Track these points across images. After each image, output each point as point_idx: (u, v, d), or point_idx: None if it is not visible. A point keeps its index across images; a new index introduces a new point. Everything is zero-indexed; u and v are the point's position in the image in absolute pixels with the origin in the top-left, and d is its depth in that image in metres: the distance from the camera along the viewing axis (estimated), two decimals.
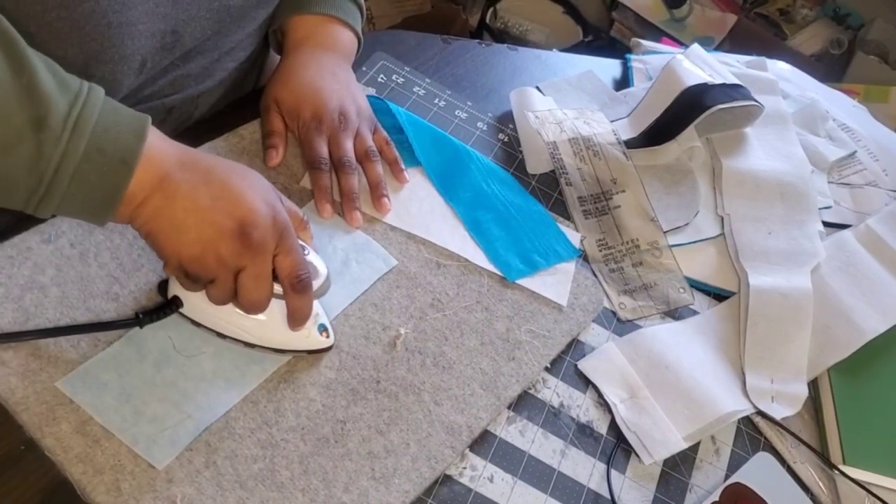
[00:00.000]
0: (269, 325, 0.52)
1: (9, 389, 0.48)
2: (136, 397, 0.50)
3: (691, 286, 0.73)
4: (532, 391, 0.61)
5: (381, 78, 0.78)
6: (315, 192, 0.63)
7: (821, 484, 0.64)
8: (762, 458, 0.64)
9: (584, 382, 0.63)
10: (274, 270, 0.49)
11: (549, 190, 0.76)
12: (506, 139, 0.79)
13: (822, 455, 0.65)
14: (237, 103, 0.73)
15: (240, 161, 0.64)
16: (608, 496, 0.58)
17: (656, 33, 1.92)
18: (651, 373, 0.64)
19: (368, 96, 0.71)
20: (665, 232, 0.75)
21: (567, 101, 0.84)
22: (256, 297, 0.49)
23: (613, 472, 0.59)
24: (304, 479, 0.50)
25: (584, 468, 0.59)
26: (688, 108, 0.78)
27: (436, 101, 0.79)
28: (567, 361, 0.64)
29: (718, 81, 0.80)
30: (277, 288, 0.50)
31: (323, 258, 0.61)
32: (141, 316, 0.51)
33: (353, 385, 0.55)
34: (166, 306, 0.52)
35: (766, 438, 0.66)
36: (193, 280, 0.48)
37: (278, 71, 0.67)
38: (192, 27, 0.58)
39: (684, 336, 0.69)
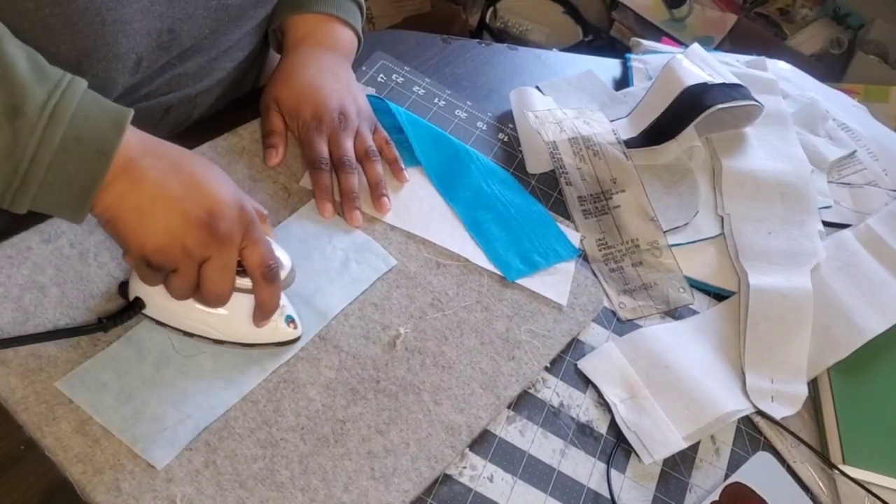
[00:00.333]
0: (235, 319, 0.52)
1: (9, 389, 0.48)
2: (136, 397, 0.50)
3: (691, 286, 0.73)
4: (532, 391, 0.61)
5: (381, 77, 0.78)
6: (316, 192, 0.63)
7: (820, 484, 0.64)
8: (762, 458, 0.64)
9: (584, 382, 0.63)
10: (240, 263, 0.48)
11: (548, 190, 0.76)
12: (506, 139, 0.79)
13: (822, 455, 0.65)
14: (237, 103, 0.73)
15: (240, 161, 0.64)
16: (608, 496, 0.58)
17: (656, 33, 1.92)
18: (651, 372, 0.64)
19: (368, 96, 0.71)
20: (665, 232, 0.75)
21: (567, 100, 0.84)
22: (220, 289, 0.48)
23: (613, 472, 0.59)
24: (304, 479, 0.50)
25: (583, 468, 0.59)
26: (688, 107, 0.78)
27: (436, 100, 0.79)
28: (567, 361, 0.64)
29: (718, 81, 0.80)
30: (240, 282, 0.49)
31: (322, 258, 0.61)
32: (104, 320, 0.50)
33: (353, 385, 0.55)
34: (129, 308, 0.51)
35: (765, 438, 0.66)
36: (156, 270, 0.46)
37: (278, 70, 0.67)
38: (189, 26, 0.57)
39: (684, 336, 0.69)
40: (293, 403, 0.53)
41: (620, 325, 0.68)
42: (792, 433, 0.66)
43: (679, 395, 0.63)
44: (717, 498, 0.60)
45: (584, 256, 0.72)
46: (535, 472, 0.57)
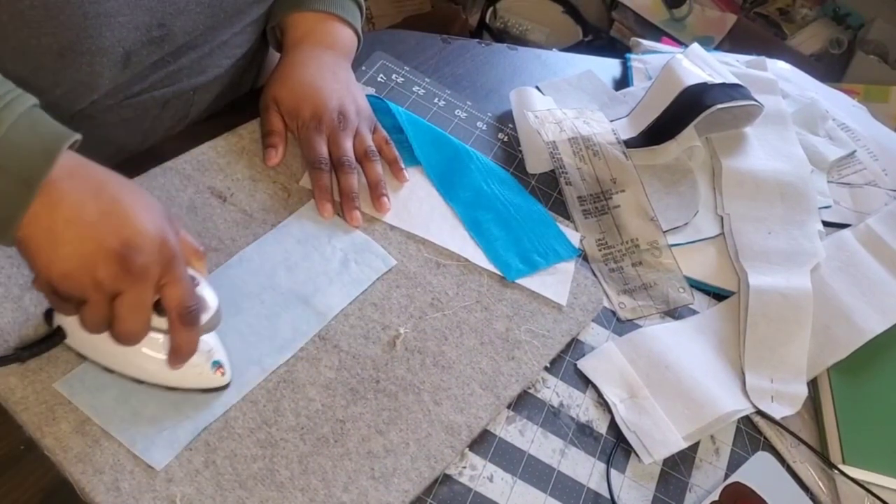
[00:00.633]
0: (159, 360, 0.48)
1: (8, 389, 0.48)
2: (135, 398, 0.50)
3: (691, 286, 0.73)
4: (532, 391, 0.61)
5: (381, 77, 0.78)
6: (315, 192, 0.63)
7: (820, 483, 0.64)
8: (762, 458, 0.64)
9: (584, 382, 0.63)
10: (159, 302, 0.45)
11: (548, 189, 0.76)
12: (505, 139, 0.79)
13: (822, 455, 0.65)
14: (236, 103, 0.73)
15: (240, 161, 0.64)
16: (608, 496, 0.58)
17: (656, 33, 1.92)
18: (651, 372, 0.64)
19: (368, 96, 0.71)
20: (665, 231, 0.74)
21: (567, 100, 0.84)
22: (131, 328, 0.44)
23: (613, 472, 0.59)
24: (304, 479, 0.50)
25: (583, 468, 0.59)
26: (687, 107, 0.78)
27: (435, 100, 0.79)
28: (567, 361, 0.64)
29: (718, 81, 0.80)
30: (161, 321, 0.46)
31: (322, 258, 0.61)
32: (22, 351, 0.48)
33: (353, 385, 0.55)
34: (49, 338, 0.48)
35: (765, 438, 0.66)
36: (62, 299, 0.44)
37: (277, 70, 0.67)
38: (181, 21, 0.57)
39: (684, 336, 0.69)
40: (293, 403, 0.53)
41: (620, 325, 0.68)
42: (792, 433, 0.66)
43: (679, 395, 0.63)
44: (716, 498, 0.60)
45: (583, 256, 0.72)
46: (534, 472, 0.57)
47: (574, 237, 0.72)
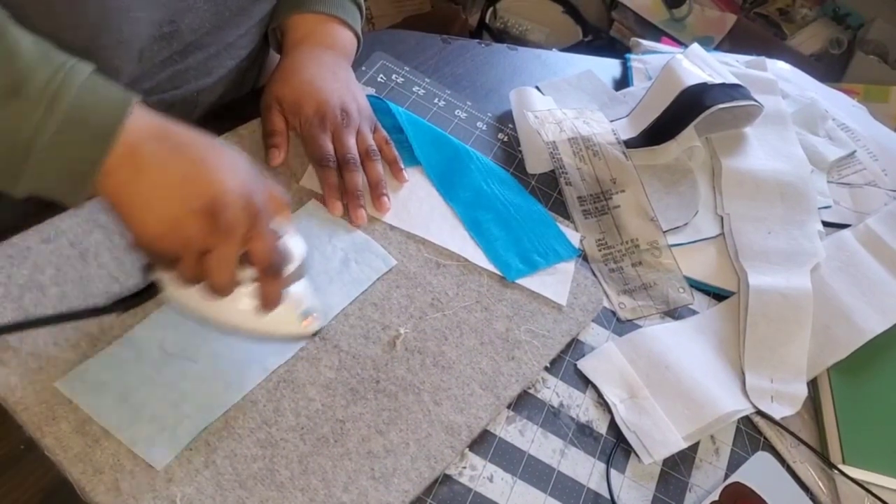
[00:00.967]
0: (252, 311, 0.50)
1: (9, 389, 0.48)
2: (135, 397, 0.50)
3: (691, 286, 0.73)
4: (532, 391, 0.61)
5: (381, 77, 0.78)
6: (325, 190, 0.63)
7: (820, 483, 0.64)
8: (762, 458, 0.64)
9: (584, 382, 0.63)
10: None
11: (548, 190, 0.76)
12: (505, 139, 0.79)
13: (822, 455, 0.65)
14: (237, 102, 0.73)
15: None
16: (608, 496, 0.58)
17: (656, 33, 1.92)
18: (651, 373, 0.64)
19: (368, 96, 0.71)
20: (665, 231, 0.75)
21: (567, 100, 0.84)
22: (219, 281, 0.46)
23: (613, 472, 0.59)
24: (304, 479, 0.50)
25: (583, 468, 0.59)
26: (687, 107, 0.78)
27: (435, 100, 0.79)
28: (567, 361, 0.64)
29: (718, 81, 0.80)
30: (252, 273, 0.48)
31: (322, 258, 0.61)
32: (123, 302, 0.49)
33: (353, 385, 0.55)
34: (145, 291, 0.50)
35: (765, 438, 0.66)
36: (160, 259, 0.46)
37: (279, 69, 0.67)
38: (189, 18, 0.58)
39: (684, 336, 0.69)
40: (293, 403, 0.53)
41: (620, 325, 0.68)
42: (792, 433, 0.66)
43: (679, 395, 0.63)
44: (716, 498, 0.60)
45: (583, 256, 0.72)
46: (534, 472, 0.57)
47: (574, 237, 0.72)
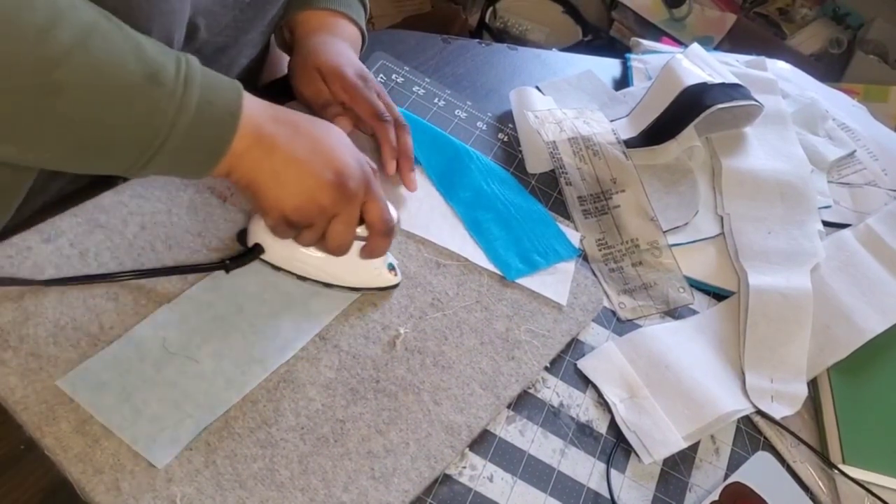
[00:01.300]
0: (344, 265, 0.56)
1: (8, 389, 0.48)
2: (136, 396, 0.50)
3: (691, 286, 0.73)
4: (532, 391, 0.61)
5: (381, 77, 0.78)
6: (383, 147, 0.65)
7: (820, 483, 0.64)
8: (762, 458, 0.64)
9: (584, 382, 0.63)
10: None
11: (548, 189, 0.76)
12: (505, 139, 0.79)
13: (822, 454, 0.66)
14: None
15: None
16: (608, 496, 0.58)
17: (656, 33, 1.92)
18: (651, 372, 0.64)
19: None
20: (665, 231, 0.75)
21: (567, 100, 0.84)
22: (344, 241, 0.53)
23: (613, 472, 0.59)
24: (304, 479, 0.50)
25: (583, 468, 0.59)
26: (687, 107, 0.78)
27: (436, 100, 0.79)
28: (567, 361, 0.64)
29: (718, 81, 0.80)
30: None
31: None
32: (227, 262, 0.55)
33: (353, 384, 0.55)
34: (249, 252, 0.55)
35: (765, 438, 0.66)
36: (293, 228, 0.51)
37: (300, 55, 0.67)
38: (207, 20, 0.59)
39: (684, 336, 0.69)
40: (293, 403, 0.53)
41: (620, 325, 0.68)
42: (792, 433, 0.66)
43: (679, 394, 0.63)
44: (716, 498, 0.60)
45: (583, 256, 0.72)
46: (534, 472, 0.57)
47: (574, 237, 0.72)
